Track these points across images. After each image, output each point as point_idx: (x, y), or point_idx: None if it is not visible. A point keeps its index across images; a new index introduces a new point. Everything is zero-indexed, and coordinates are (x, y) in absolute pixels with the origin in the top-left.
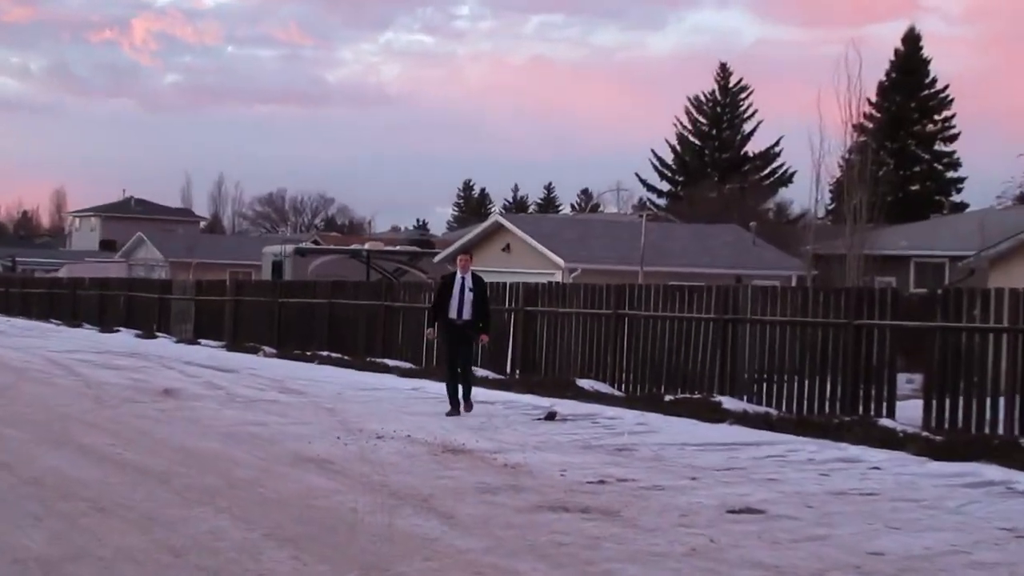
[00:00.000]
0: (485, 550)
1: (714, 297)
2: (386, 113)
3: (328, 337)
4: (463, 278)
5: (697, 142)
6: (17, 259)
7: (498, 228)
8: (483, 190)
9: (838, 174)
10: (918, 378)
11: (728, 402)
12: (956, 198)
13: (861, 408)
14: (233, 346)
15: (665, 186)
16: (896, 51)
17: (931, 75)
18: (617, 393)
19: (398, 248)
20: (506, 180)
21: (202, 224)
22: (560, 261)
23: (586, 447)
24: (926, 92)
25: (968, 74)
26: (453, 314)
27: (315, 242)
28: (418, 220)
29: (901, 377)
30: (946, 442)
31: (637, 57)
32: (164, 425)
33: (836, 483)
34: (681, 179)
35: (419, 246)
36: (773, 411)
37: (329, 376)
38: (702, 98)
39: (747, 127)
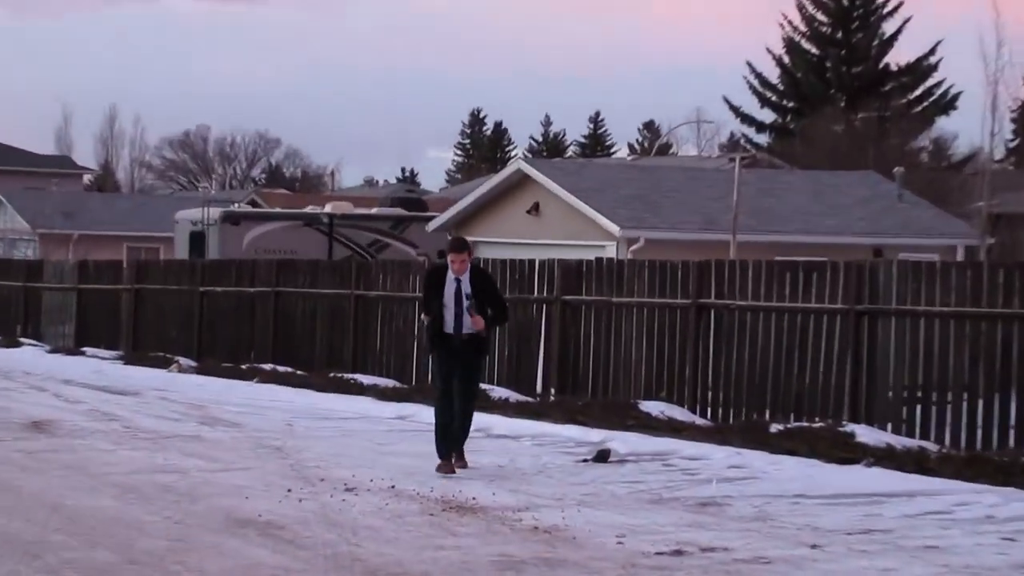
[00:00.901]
0: None
1: (843, 279)
2: (356, 15)
3: (273, 343)
4: (458, 280)
5: (814, 50)
6: None
7: (521, 180)
8: (499, 125)
9: None
10: None
11: (864, 433)
12: None
13: None
14: (133, 357)
15: (767, 115)
16: None
17: None
18: (700, 422)
19: (375, 212)
20: (533, 111)
21: (87, 179)
22: (614, 228)
23: (655, 501)
24: None
25: None
26: (449, 327)
27: (253, 203)
28: (404, 171)
29: None
30: None
31: None
32: (33, 474)
33: None
34: (791, 105)
35: (405, 208)
36: (931, 446)
37: (276, 400)
38: None
39: (888, 28)
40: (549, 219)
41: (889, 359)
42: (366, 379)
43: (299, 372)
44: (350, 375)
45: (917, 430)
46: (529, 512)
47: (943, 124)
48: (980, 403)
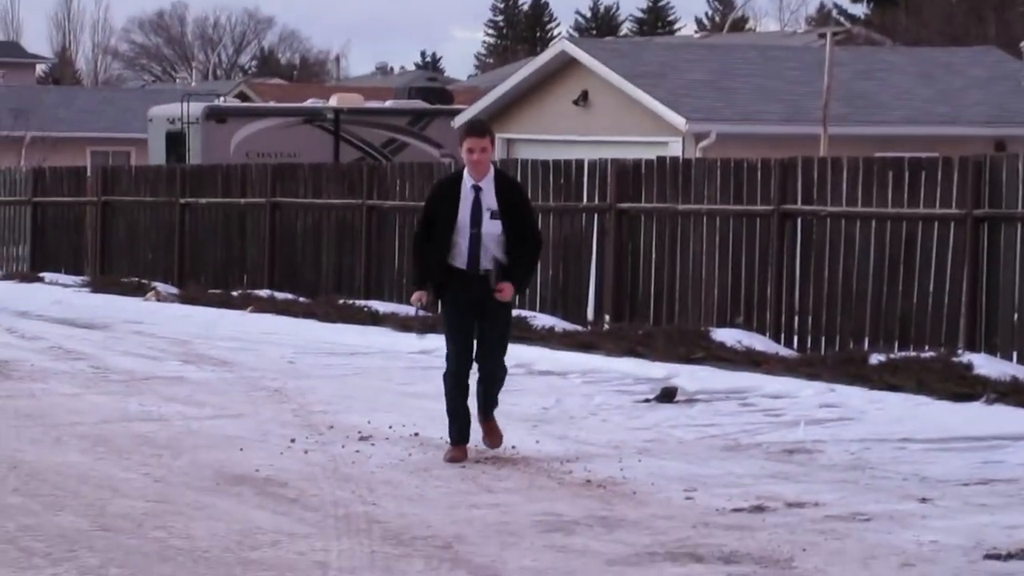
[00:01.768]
0: None
1: (957, 178)
2: None
3: (270, 265)
4: (477, 188)
5: None
6: None
7: (566, 64)
8: None
9: None
10: None
11: (984, 364)
12: None
13: None
14: (101, 283)
15: None
16: None
17: None
18: (785, 352)
19: (390, 105)
20: None
21: (41, 70)
22: (679, 121)
23: (731, 448)
24: None
25: None
26: (462, 260)
27: (241, 96)
28: (424, 55)
29: None
30: None
31: None
32: None
33: None
34: None
35: (427, 100)
36: None
37: (273, 332)
38: None
39: None
40: (600, 111)
41: (1015, 274)
42: (381, 306)
43: (301, 299)
44: (362, 302)
45: None
46: (580, 463)
47: None
48: None
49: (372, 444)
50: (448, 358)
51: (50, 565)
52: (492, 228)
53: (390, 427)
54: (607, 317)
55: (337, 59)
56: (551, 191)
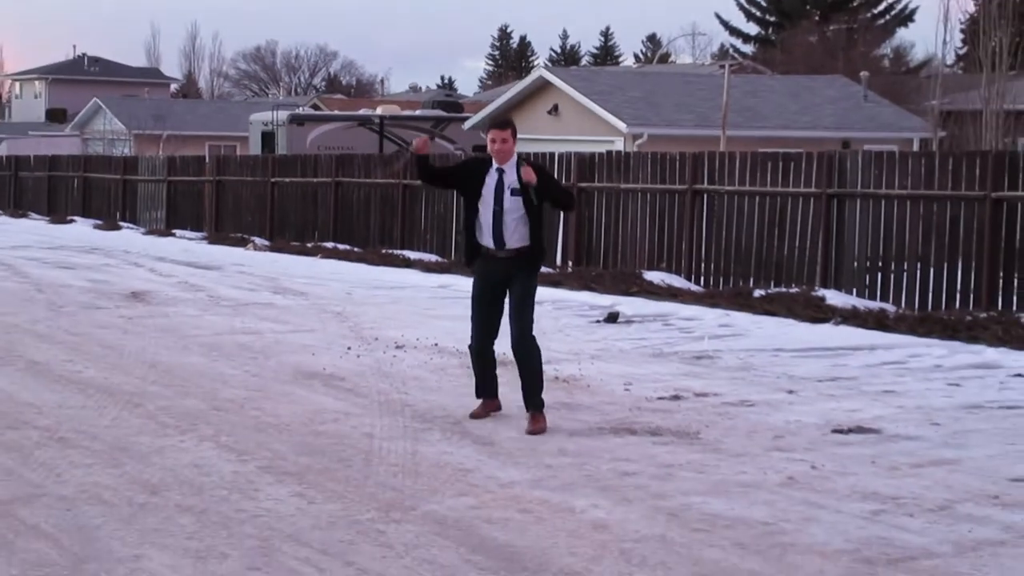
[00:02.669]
0: (532, 483)
1: (815, 167)
2: None
3: (333, 225)
4: (501, 172)
5: None
6: None
7: (543, 85)
8: (523, 38)
9: (972, 9)
10: None
11: (833, 297)
12: None
13: (1000, 302)
14: (215, 237)
15: (753, 29)
16: None
17: None
18: (695, 288)
19: (419, 113)
20: (552, 26)
21: (173, 88)
22: (621, 125)
23: (656, 355)
24: None
25: None
26: (488, 238)
27: (314, 107)
28: (443, 78)
29: None
30: None
31: None
32: (133, 336)
33: (969, 395)
34: (773, 20)
35: (445, 110)
36: (890, 307)
37: (335, 273)
38: None
39: None
40: (567, 118)
41: (855, 234)
42: (412, 254)
43: (356, 249)
44: (399, 251)
45: (878, 294)
46: (550, 365)
47: (902, 34)
48: (931, 271)
49: (404, 351)
50: (472, 333)
51: (178, 434)
52: (513, 205)
53: (417, 339)
54: (570, 263)
55: (382, 81)
56: None
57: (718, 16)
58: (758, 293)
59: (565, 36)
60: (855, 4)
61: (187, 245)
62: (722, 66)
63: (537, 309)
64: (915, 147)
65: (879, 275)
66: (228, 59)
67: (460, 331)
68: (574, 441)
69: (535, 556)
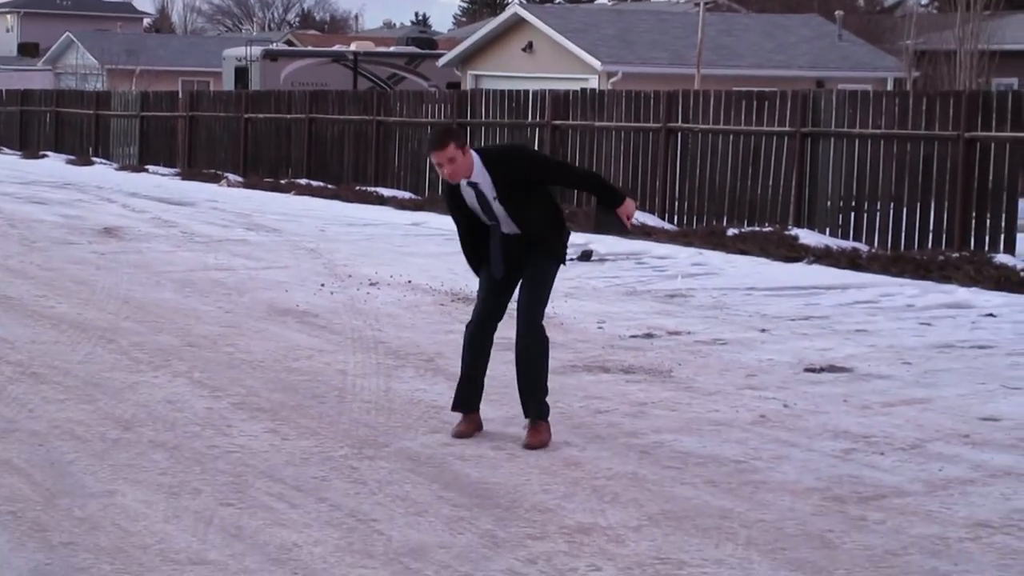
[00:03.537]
0: (506, 420)
1: (789, 106)
2: None
3: (307, 161)
4: (472, 184)
5: None
6: None
7: (517, 22)
8: None
9: None
10: None
11: (806, 236)
12: None
13: (972, 242)
14: (188, 173)
15: None
16: None
17: None
18: (668, 227)
19: (393, 50)
20: None
21: (146, 22)
22: (596, 63)
23: (630, 293)
24: None
25: None
26: (502, 229)
27: (288, 43)
28: (417, 15)
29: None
30: None
31: None
32: (106, 272)
33: (940, 334)
34: None
35: (419, 47)
36: (862, 247)
37: (309, 209)
38: None
39: None
40: (541, 56)
41: (828, 174)
42: (386, 192)
43: (329, 186)
44: (372, 188)
45: (851, 233)
46: None
47: None
48: (904, 211)
49: (378, 288)
50: (472, 314)
51: (151, 370)
52: (501, 210)
53: (391, 276)
54: None
55: (356, 17)
56: (505, 112)
57: None
58: (731, 232)
59: None
60: None
61: (160, 181)
62: (697, 4)
63: None
64: (889, 87)
65: (852, 214)
66: None
67: (435, 268)
68: (550, 377)
69: (508, 493)
